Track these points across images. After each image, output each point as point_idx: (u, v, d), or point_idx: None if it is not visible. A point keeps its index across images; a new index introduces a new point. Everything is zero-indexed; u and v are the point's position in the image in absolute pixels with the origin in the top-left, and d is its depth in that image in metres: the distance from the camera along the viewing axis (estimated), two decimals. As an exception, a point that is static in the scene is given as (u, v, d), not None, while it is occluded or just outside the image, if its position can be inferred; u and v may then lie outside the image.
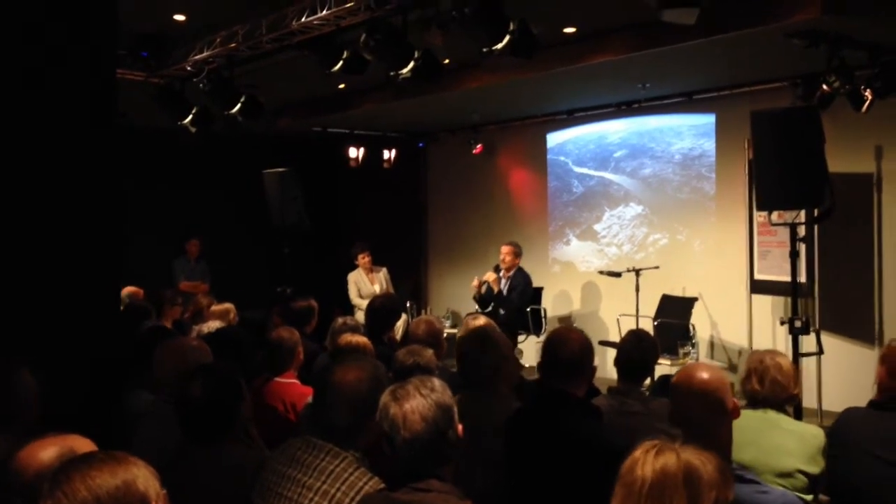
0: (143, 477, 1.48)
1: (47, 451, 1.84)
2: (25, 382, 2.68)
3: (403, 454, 2.15)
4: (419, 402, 2.15)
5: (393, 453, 2.17)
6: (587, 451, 2.68)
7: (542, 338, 8.56)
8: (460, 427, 2.23)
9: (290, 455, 2.47)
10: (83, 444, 1.88)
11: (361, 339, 4.14)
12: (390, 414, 2.16)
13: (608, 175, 9.41)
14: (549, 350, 2.99)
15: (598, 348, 7.63)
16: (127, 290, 7.05)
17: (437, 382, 2.24)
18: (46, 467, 1.76)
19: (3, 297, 3.04)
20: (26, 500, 1.72)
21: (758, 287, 7.60)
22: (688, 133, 8.63)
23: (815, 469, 3.10)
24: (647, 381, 6.41)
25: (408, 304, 9.21)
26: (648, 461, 1.77)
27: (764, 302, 7.69)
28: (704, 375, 2.60)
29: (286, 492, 2.39)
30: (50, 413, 2.62)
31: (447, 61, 6.43)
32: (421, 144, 11.46)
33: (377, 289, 8.88)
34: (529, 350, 8.53)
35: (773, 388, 3.22)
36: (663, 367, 6.93)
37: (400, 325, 7.29)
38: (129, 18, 5.65)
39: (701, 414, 2.53)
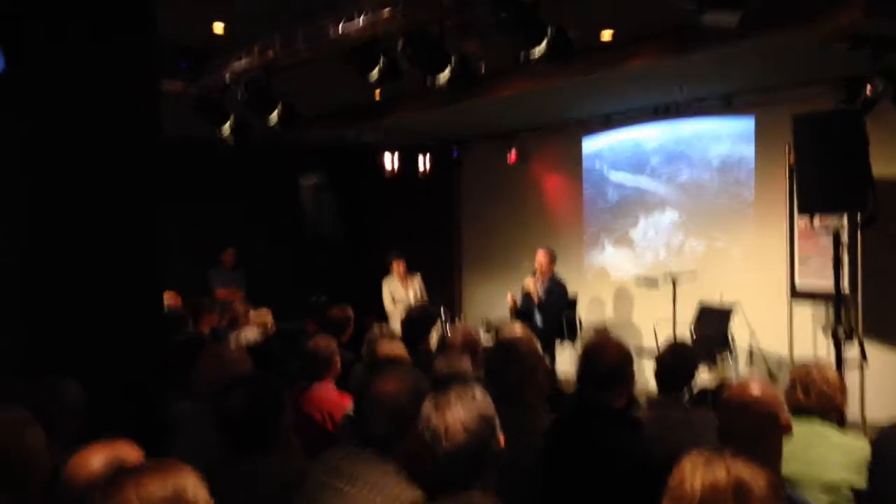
0: (192, 485, 1.49)
1: (96, 459, 1.85)
2: (71, 391, 2.72)
3: (444, 464, 2.14)
4: (461, 411, 2.14)
5: (434, 463, 2.16)
6: (627, 465, 2.64)
7: (578, 345, 8.50)
8: (501, 437, 2.21)
9: (332, 464, 2.46)
10: (130, 452, 1.89)
11: (399, 350, 4.14)
12: (432, 424, 2.15)
13: (644, 181, 9.33)
14: (587, 360, 2.95)
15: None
16: (164, 297, 7.14)
17: (478, 391, 2.22)
18: (95, 475, 1.77)
19: (46, 307, 3.08)
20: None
21: (799, 294, 7.49)
22: (726, 137, 8.52)
23: (861, 482, 3.03)
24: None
25: (442, 313, 9.21)
26: (698, 474, 1.73)
27: (805, 309, 7.56)
28: (758, 391, 2.56)
29: (327, 501, 2.39)
30: (91, 422, 2.65)
31: (483, 68, 6.43)
32: (455, 152, 11.46)
33: (411, 295, 8.90)
34: (564, 357, 8.47)
35: (820, 400, 3.16)
36: (701, 377, 6.84)
37: (433, 334, 7.30)
38: (168, 29, 5.71)
39: (754, 430, 2.49)
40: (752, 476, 1.71)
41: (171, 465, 1.50)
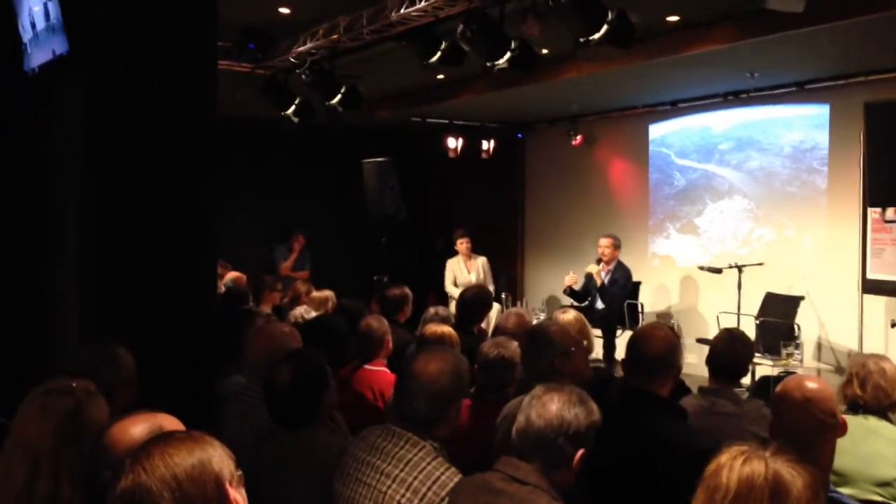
0: (218, 456, 1.53)
1: (138, 428, 1.91)
2: (126, 360, 2.81)
3: (518, 435, 2.21)
4: (563, 401, 2.21)
5: (506, 433, 2.24)
6: (668, 453, 2.61)
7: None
8: (579, 453, 2.22)
9: (371, 442, 2.51)
10: (171, 423, 1.95)
11: (446, 330, 4.16)
12: (533, 395, 2.25)
13: (712, 168, 9.13)
14: (633, 347, 2.92)
15: (695, 346, 7.53)
16: (230, 275, 7.32)
17: (593, 404, 2.28)
18: (137, 443, 1.83)
19: (103, 279, 3.19)
20: (116, 473, 1.81)
21: (870, 287, 7.24)
22: (799, 124, 8.27)
23: (916, 478, 2.94)
24: (747, 381, 6.24)
25: (503, 296, 9.22)
26: (735, 468, 1.67)
27: (877, 303, 7.32)
28: (814, 386, 2.48)
29: (365, 478, 2.44)
30: (145, 395, 2.73)
31: (545, 52, 6.37)
32: (520, 135, 11.40)
33: (473, 277, 8.89)
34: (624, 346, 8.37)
35: (876, 394, 3.07)
36: (765, 367, 6.69)
37: (493, 317, 7.27)
38: (236, 12, 5.84)
39: (808, 428, 2.42)
40: (792, 475, 1.64)
41: (198, 437, 1.55)
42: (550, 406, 2.20)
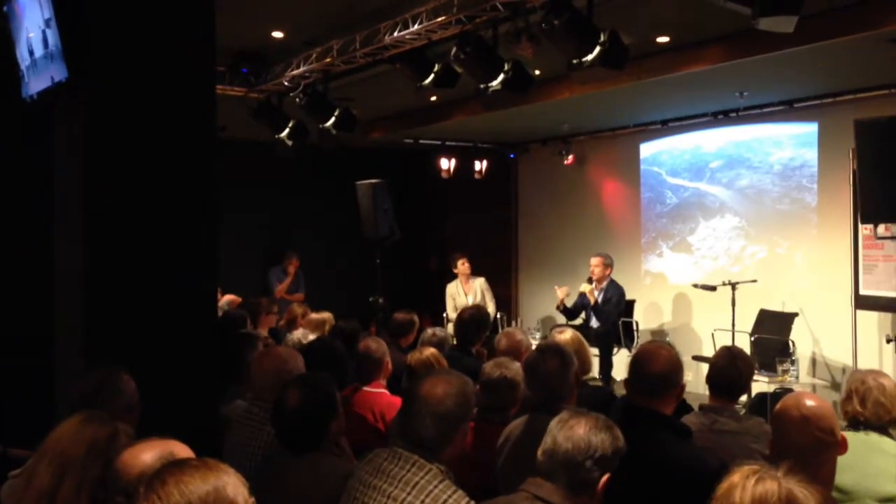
0: (232, 484, 1.54)
1: (148, 454, 1.93)
2: (128, 385, 2.81)
3: (545, 456, 2.25)
4: (591, 425, 2.25)
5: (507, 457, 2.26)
6: (674, 472, 2.61)
7: (634, 351, 8.41)
8: (603, 478, 2.25)
9: (377, 465, 2.50)
10: (182, 450, 1.96)
11: (430, 352, 4.19)
12: (560, 419, 2.30)
13: (703, 186, 9.20)
14: (636, 366, 2.93)
15: (691, 363, 7.55)
16: (226, 298, 7.30)
17: (617, 431, 2.31)
18: (148, 469, 1.84)
19: (104, 304, 3.18)
20: (128, 498, 1.81)
21: (863, 302, 7.28)
22: (788, 142, 8.35)
23: (919, 495, 2.94)
24: (744, 398, 6.25)
25: (498, 316, 9.22)
26: (747, 488, 1.67)
27: (870, 318, 7.35)
28: (812, 404, 2.48)
29: (372, 502, 2.43)
30: (147, 419, 2.73)
31: (538, 73, 6.42)
32: (512, 155, 11.46)
33: (470, 300, 8.91)
34: (621, 364, 8.38)
35: (876, 410, 3.08)
36: (760, 384, 6.70)
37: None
38: (230, 36, 5.87)
39: (807, 446, 2.42)
40: (805, 495, 1.64)
41: (212, 464, 1.56)
42: (578, 429, 2.24)
